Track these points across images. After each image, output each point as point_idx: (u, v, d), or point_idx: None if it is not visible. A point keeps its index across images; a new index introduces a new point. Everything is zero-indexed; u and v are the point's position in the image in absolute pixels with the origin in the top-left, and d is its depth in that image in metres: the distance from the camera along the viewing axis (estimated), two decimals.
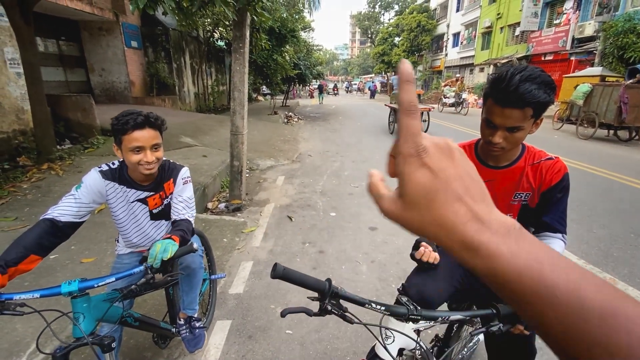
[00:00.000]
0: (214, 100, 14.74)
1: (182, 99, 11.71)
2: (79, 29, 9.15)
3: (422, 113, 14.42)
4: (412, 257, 1.18)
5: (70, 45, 9.10)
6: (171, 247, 1.15)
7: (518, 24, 17.59)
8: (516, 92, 0.93)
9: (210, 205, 4.14)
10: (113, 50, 9.48)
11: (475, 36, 23.15)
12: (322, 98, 23.76)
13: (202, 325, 1.79)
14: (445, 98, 16.46)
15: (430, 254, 1.14)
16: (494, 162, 1.19)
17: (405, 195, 0.28)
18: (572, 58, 14.67)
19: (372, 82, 34.87)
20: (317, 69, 17.49)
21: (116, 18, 9.09)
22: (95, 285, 1.08)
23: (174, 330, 1.69)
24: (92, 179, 1.33)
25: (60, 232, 1.20)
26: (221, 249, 3.04)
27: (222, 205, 4.07)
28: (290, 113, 14.30)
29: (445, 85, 18.30)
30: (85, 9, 7.74)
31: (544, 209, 1.17)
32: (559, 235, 1.16)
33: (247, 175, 5.15)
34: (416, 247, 1.18)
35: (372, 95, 31.07)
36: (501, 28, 19.88)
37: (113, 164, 1.40)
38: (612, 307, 0.22)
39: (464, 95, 15.41)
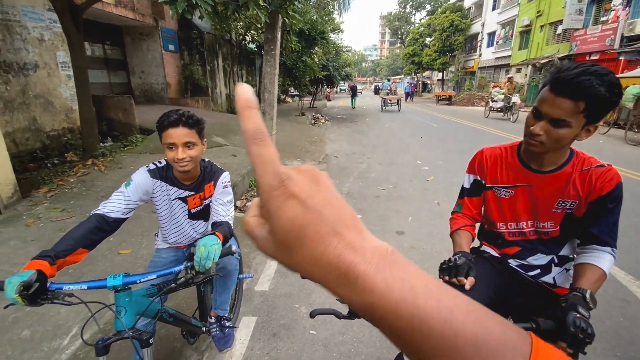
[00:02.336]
0: None
1: (214, 100, 12.12)
2: (122, 34, 9.76)
3: (397, 100, 15.31)
4: (452, 268, 1.02)
5: (114, 50, 9.71)
6: (214, 252, 1.14)
7: (560, 21, 16.55)
8: (573, 81, 0.88)
9: (239, 203, 4.24)
10: (152, 54, 10.01)
11: (512, 35, 22.08)
12: (355, 101, 20.18)
13: (232, 325, 1.82)
14: (492, 102, 14.10)
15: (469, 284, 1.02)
16: (537, 166, 1.12)
17: (275, 234, 0.25)
18: (621, 58, 13.55)
19: (408, 83, 29.80)
20: (346, 70, 17.41)
21: (155, 23, 9.60)
22: (138, 281, 1.12)
23: (204, 328, 1.72)
24: (141, 177, 1.39)
25: (108, 226, 1.26)
26: (248, 247, 3.10)
27: (250, 204, 4.16)
28: (317, 114, 14.37)
29: (494, 87, 16.01)
30: (128, 15, 8.24)
31: (592, 219, 1.08)
32: (608, 249, 1.08)
33: None
34: (458, 266, 1.02)
35: (407, 98, 26.53)
36: (541, 26, 18.81)
37: (160, 162, 1.46)
38: (483, 335, 0.21)
39: (514, 99, 12.56)
